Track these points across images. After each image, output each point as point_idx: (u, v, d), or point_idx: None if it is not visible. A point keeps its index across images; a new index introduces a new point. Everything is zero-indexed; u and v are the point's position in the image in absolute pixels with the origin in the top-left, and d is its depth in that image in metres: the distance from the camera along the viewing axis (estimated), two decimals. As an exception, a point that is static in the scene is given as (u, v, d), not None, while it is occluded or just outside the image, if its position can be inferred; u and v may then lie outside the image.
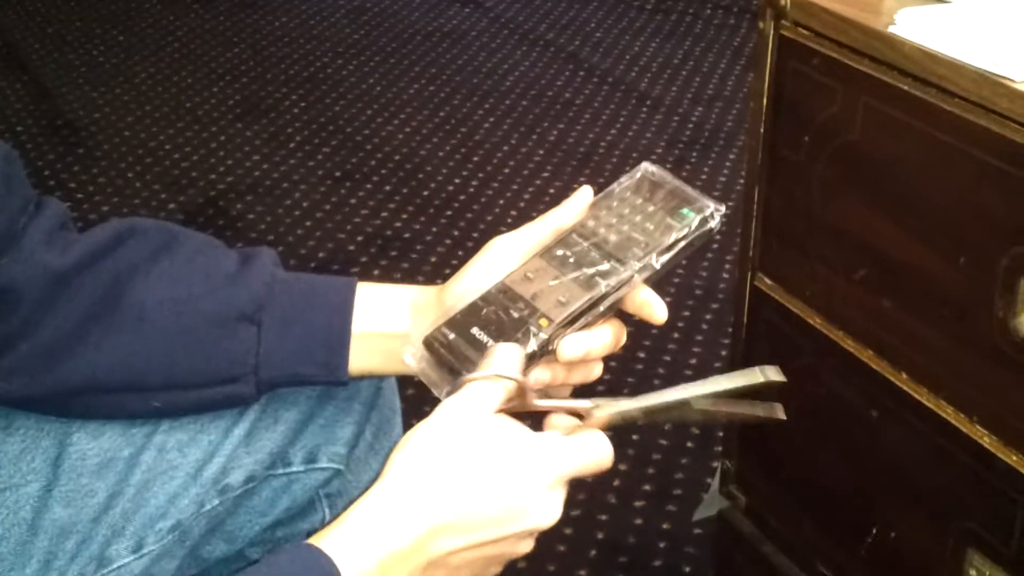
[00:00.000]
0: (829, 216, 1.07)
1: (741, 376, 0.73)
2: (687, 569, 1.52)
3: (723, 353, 1.90)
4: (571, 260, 0.77)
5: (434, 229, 2.32)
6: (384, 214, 2.38)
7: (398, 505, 0.64)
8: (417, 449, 0.66)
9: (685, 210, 0.78)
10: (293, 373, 0.82)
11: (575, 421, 0.73)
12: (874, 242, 1.02)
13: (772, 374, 0.72)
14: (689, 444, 1.74)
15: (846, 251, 1.05)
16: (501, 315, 0.75)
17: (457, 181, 2.50)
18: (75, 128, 2.72)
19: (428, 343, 0.76)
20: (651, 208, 0.79)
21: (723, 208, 0.78)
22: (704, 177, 2.49)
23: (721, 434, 1.54)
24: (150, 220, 0.86)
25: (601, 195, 0.81)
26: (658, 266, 0.76)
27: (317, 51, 3.15)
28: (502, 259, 0.79)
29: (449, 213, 2.38)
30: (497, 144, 2.66)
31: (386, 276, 2.16)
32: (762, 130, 1.11)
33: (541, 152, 2.61)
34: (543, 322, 0.74)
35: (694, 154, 2.56)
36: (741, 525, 1.27)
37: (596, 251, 0.77)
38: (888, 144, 0.99)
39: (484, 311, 0.76)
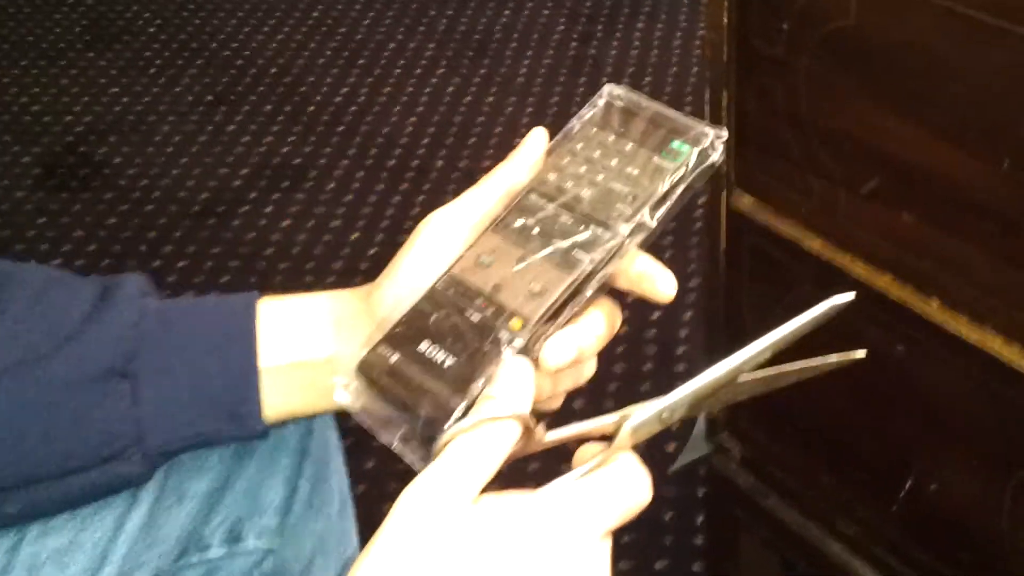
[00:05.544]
0: (823, 118, 0.88)
1: (802, 316, 0.53)
2: (668, 516, 1.37)
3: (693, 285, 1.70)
4: (536, 231, 0.57)
5: (327, 150, 2.09)
6: (268, 139, 2.14)
7: None
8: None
9: (676, 143, 0.59)
10: (191, 434, 0.62)
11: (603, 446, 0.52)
12: (885, 146, 0.84)
13: (840, 298, 0.53)
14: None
15: (849, 159, 0.87)
16: (456, 320, 0.55)
17: (344, 91, 2.27)
18: (-100, 78, 2.41)
19: (364, 370, 0.55)
20: (629, 145, 0.59)
21: (724, 133, 0.58)
22: (614, 54, 2.27)
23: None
24: None
25: (559, 136, 0.61)
26: (654, 224, 0.57)
27: (165, -42, 2.84)
28: (443, 241, 0.59)
29: (341, 129, 2.15)
30: (382, 43, 2.42)
31: (281, 211, 1.94)
32: (725, 20, 0.91)
33: (432, 45, 2.38)
34: (515, 324, 0.54)
35: (599, 29, 2.35)
36: (737, 477, 1.10)
37: (567, 214, 0.58)
38: (894, 27, 0.80)
39: (432, 317, 0.55)
